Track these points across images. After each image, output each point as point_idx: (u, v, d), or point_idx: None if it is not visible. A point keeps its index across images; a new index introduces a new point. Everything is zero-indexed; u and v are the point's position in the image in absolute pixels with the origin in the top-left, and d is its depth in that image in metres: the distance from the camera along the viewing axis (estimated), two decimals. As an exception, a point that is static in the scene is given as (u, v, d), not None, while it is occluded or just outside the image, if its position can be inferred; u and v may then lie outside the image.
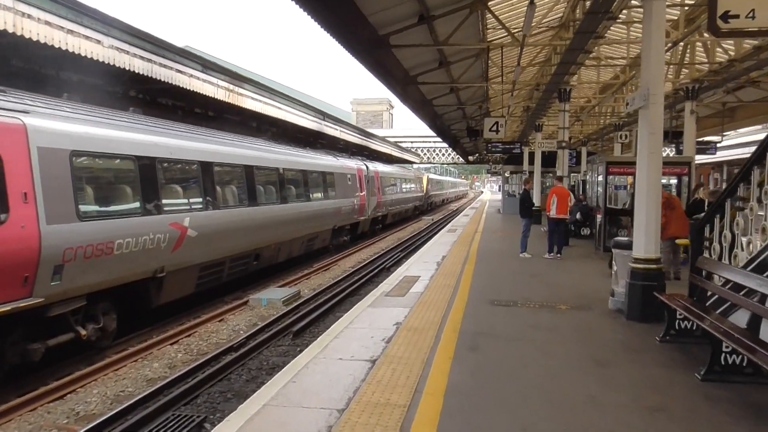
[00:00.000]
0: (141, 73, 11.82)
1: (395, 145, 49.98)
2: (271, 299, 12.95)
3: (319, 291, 14.75)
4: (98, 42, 10.28)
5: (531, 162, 29.11)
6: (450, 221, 33.69)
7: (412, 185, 40.93)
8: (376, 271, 17.96)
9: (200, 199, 11.15)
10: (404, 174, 38.08)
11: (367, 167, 26.46)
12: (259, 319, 11.92)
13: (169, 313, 11.63)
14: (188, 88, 13.93)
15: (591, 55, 14.77)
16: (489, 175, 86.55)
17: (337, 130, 28.18)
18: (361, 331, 6.96)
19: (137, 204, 9.34)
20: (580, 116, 25.81)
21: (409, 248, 23.77)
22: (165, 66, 12.93)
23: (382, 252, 23.06)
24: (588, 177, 19.82)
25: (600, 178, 13.78)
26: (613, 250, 7.90)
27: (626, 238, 7.91)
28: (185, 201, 10.60)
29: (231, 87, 16.73)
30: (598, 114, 26.33)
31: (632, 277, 7.28)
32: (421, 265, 12.24)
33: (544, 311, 7.92)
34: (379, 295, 8.87)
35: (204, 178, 11.30)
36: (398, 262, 19.43)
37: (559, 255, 13.16)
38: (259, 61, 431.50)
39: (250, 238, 13.59)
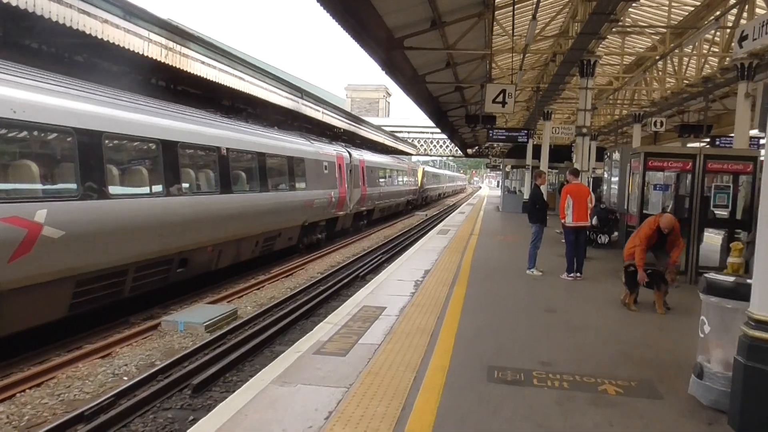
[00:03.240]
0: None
1: (390, 134, 46.52)
2: (189, 323, 9.61)
3: (267, 308, 11.42)
4: None
5: (536, 156, 25.78)
6: (445, 218, 30.34)
7: (406, 178, 37.55)
8: (348, 279, 14.64)
9: (71, 185, 7.75)
10: (396, 165, 34.67)
11: (350, 155, 23.05)
12: (163, 354, 8.58)
13: (36, 342, 8.29)
14: (100, 37, 10.55)
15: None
16: (488, 170, 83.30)
17: (318, 111, 24.73)
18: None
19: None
20: (595, 104, 22.41)
21: (394, 249, 20.47)
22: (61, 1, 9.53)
23: (363, 252, 19.73)
24: (605, 174, 16.41)
25: (634, 175, 10.42)
26: (701, 296, 4.55)
27: (729, 278, 4.53)
28: (37, 187, 7.19)
29: (170, 44, 13.31)
30: (614, 102, 22.88)
31: (749, 354, 3.94)
32: (394, 284, 8.88)
33: (581, 399, 4.56)
34: (307, 349, 5.49)
35: (82, 154, 7.88)
36: (376, 269, 16.14)
37: (579, 275, 9.81)
38: (250, 43, 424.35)
39: (170, 239, 10.23)
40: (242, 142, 13.02)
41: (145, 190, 9.65)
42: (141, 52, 11.98)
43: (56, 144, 7.82)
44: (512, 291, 8.48)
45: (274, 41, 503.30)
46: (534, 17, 9.62)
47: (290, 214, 15.92)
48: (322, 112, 25.06)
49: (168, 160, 10.06)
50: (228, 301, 11.98)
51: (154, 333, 9.57)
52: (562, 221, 9.91)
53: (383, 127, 47.04)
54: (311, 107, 23.65)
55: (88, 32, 10.26)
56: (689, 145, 19.91)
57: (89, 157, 8.01)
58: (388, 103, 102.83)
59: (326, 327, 6.30)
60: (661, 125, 16.70)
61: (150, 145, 9.84)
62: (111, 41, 10.89)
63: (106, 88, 9.55)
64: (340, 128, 29.20)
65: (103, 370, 7.67)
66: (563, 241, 15.96)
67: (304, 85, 28.36)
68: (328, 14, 11.35)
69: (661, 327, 6.81)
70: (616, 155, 14.64)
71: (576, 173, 10.13)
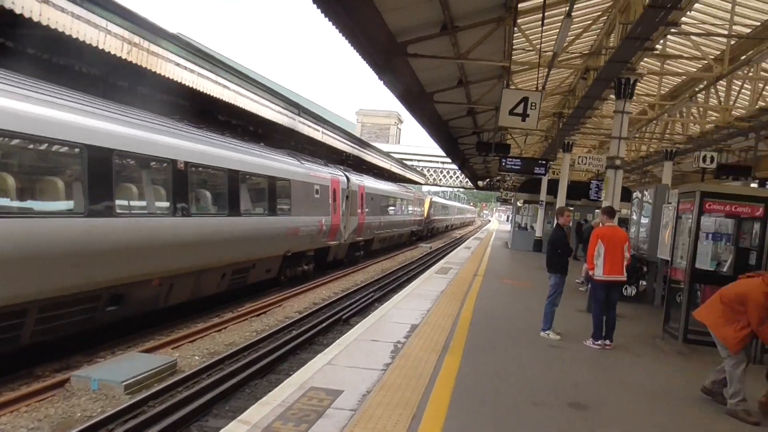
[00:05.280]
0: None
1: (399, 161, 44.64)
2: (105, 380, 7.47)
3: (219, 359, 9.28)
4: None
5: (550, 191, 23.65)
6: (450, 251, 28.14)
7: (411, 207, 35.50)
8: (328, 321, 12.49)
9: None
10: (400, 193, 32.63)
11: (348, 179, 21.03)
12: (55, 427, 6.46)
13: None
14: (36, 20, 8.70)
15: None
16: (499, 203, 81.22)
17: (318, 131, 22.82)
18: None
19: None
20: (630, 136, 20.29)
21: (390, 285, 18.32)
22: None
23: (355, 288, 17.60)
24: (632, 215, 14.22)
25: (681, 219, 8.25)
26: None
27: None
28: None
29: (136, 40, 11.47)
30: (641, 136, 20.73)
31: None
32: (364, 347, 6.71)
33: None
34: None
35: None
36: (363, 310, 13.98)
37: (609, 343, 7.59)
38: (263, 64, 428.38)
39: (94, 270, 8.16)
40: (207, 156, 11.01)
41: (54, 206, 7.62)
42: (95, 45, 10.16)
43: None
44: (523, 367, 6.27)
45: (286, 63, 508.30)
46: (569, 14, 7.65)
47: (268, 243, 13.83)
48: (322, 132, 23.15)
49: (95, 171, 8.04)
50: (173, 348, 9.85)
51: (59, 392, 7.45)
52: (590, 273, 7.73)
53: (392, 154, 45.25)
54: (310, 126, 21.75)
55: (18, 11, 8.42)
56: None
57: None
58: (399, 129, 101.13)
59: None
60: (712, 161, 14.47)
61: (73, 149, 7.85)
62: (54, 27, 9.05)
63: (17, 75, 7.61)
64: (343, 152, 27.31)
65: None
66: (581, 289, 13.87)
67: (315, 108, 26.65)
68: (319, 9, 9.48)
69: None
70: (649, 194, 12.52)
71: (611, 213, 7.95)
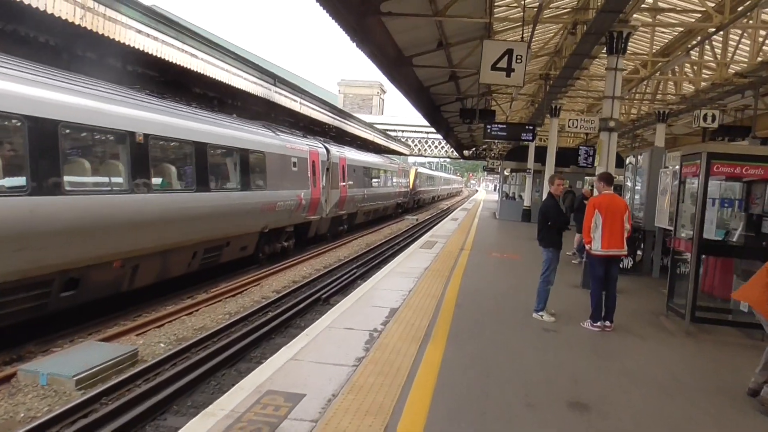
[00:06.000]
0: None
1: (382, 132, 43.62)
2: (55, 374, 6.77)
3: (186, 346, 8.61)
4: None
5: (538, 159, 22.93)
6: (436, 223, 27.49)
7: (395, 179, 34.71)
8: (307, 301, 11.84)
9: None
10: (384, 165, 31.81)
11: (327, 151, 20.17)
12: (-8, 431, 5.78)
13: None
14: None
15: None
16: (485, 173, 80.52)
17: (296, 102, 21.86)
18: None
19: None
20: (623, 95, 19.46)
21: (375, 260, 17.67)
22: None
23: (338, 264, 16.93)
24: (627, 181, 13.57)
25: (685, 184, 7.60)
26: None
27: None
28: None
29: (89, 4, 10.51)
30: (631, 98, 19.92)
31: None
32: (337, 336, 6.03)
33: None
34: None
35: None
36: (346, 287, 13.34)
37: (609, 324, 6.98)
38: (243, 37, 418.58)
39: (43, 252, 7.39)
40: (171, 128, 10.14)
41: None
42: (42, 8, 9.23)
43: None
44: (514, 357, 5.62)
45: (266, 36, 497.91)
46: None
47: (242, 219, 13.06)
48: (300, 103, 22.19)
49: (38, 146, 7.21)
50: (138, 335, 9.15)
51: (4, 388, 6.75)
52: (587, 247, 7.06)
53: (375, 125, 44.17)
54: (287, 96, 20.78)
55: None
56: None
57: None
58: (383, 100, 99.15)
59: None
60: (713, 119, 13.65)
61: (10, 121, 7.00)
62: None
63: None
64: (325, 123, 26.35)
65: None
66: (574, 261, 13.25)
67: (296, 81, 25.52)
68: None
69: None
70: (643, 158, 11.89)
71: (609, 180, 7.21)
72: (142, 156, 9.20)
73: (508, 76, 8.04)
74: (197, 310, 10.96)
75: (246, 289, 13.09)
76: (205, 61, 14.44)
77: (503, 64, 8.00)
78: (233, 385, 4.96)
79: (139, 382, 7.27)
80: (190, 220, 10.66)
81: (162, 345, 8.82)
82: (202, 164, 11.03)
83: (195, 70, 13.89)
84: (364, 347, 5.56)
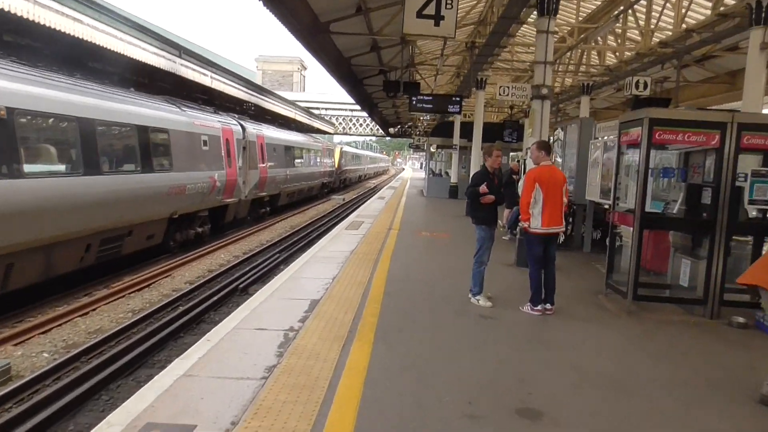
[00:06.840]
0: None
1: (305, 110, 42.07)
2: None
3: (74, 355, 7.38)
4: None
5: (465, 136, 22.48)
6: (363, 202, 26.63)
7: (320, 158, 33.52)
8: (223, 292, 10.74)
9: None
10: (306, 143, 30.54)
11: (243, 128, 18.78)
12: None
13: None
14: None
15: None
16: (411, 150, 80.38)
17: (206, 76, 20.15)
18: None
19: None
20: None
21: (299, 243, 16.65)
22: None
23: (259, 249, 15.81)
24: (556, 154, 13.16)
25: (624, 155, 7.06)
26: None
27: None
28: None
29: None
30: (555, 70, 19.71)
31: None
32: (242, 346, 5.01)
33: None
34: None
35: None
36: (267, 274, 12.30)
37: (550, 308, 6.36)
38: (152, 12, 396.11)
39: None
40: (44, 101, 8.64)
41: None
42: None
43: None
44: (451, 355, 4.85)
45: (175, 10, 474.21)
46: None
47: (144, 205, 11.67)
48: (211, 77, 20.51)
49: None
50: (16, 344, 7.80)
51: None
52: (524, 224, 6.38)
53: (297, 102, 42.57)
54: (195, 70, 19.07)
55: None
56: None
57: None
58: (304, 76, 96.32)
59: None
60: (645, 87, 13.36)
61: None
62: None
63: None
64: (242, 100, 24.70)
65: None
66: (505, 238, 12.75)
67: (213, 57, 23.69)
68: None
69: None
70: (572, 130, 11.47)
71: (547, 149, 6.52)
72: (7, 135, 7.72)
73: (437, 24, 7.09)
74: (94, 310, 9.64)
75: (155, 281, 11.81)
76: (92, 27, 12.72)
77: (431, 10, 7.03)
78: (128, 398, 3.90)
79: (9, 406, 6.04)
80: (77, 208, 9.25)
81: (45, 355, 7.54)
82: (89, 144, 9.59)
83: (80, 37, 12.16)
84: (276, 352, 4.63)
